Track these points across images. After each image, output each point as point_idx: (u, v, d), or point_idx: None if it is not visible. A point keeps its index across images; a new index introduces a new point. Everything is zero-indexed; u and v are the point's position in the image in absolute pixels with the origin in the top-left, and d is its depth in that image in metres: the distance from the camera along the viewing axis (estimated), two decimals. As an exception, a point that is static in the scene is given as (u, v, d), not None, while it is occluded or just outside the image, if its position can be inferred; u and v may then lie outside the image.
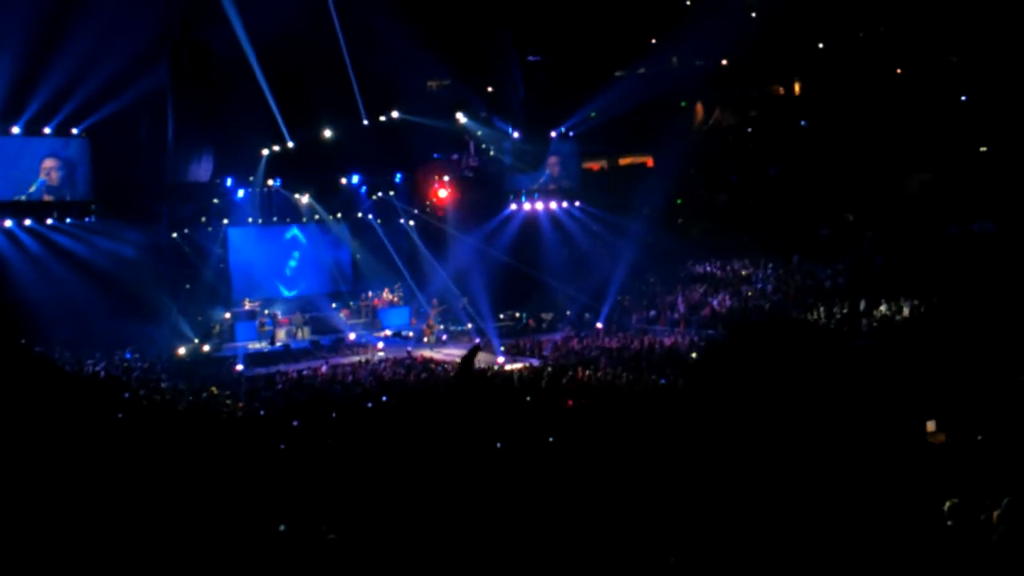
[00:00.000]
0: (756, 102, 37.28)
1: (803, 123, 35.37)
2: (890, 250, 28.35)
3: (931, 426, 12.58)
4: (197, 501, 9.35)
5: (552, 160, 34.60)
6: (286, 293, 33.17)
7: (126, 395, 19.34)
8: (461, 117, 33.28)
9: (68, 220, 27.84)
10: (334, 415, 17.40)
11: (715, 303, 29.24)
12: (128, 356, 24.89)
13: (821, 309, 25.91)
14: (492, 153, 34.45)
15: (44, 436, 11.89)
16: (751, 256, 31.82)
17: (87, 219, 28.07)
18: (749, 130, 36.77)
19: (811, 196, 32.29)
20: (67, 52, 24.89)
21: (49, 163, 26.79)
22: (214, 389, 20.31)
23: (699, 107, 37.88)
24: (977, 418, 12.97)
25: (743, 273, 31.14)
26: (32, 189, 26.64)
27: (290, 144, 30.85)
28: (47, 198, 26.96)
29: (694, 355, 23.06)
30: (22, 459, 10.52)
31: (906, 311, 24.13)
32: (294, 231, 33.86)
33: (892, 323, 23.84)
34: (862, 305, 25.29)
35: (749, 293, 29.22)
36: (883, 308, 24.66)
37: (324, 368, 23.87)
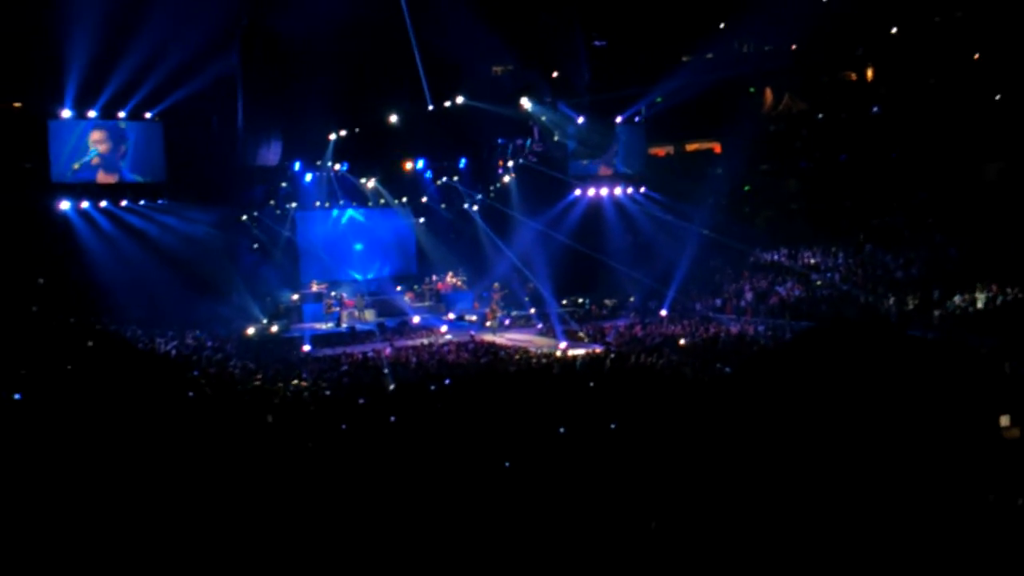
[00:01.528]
0: (827, 88, 36.48)
1: (875, 109, 34.53)
2: (964, 240, 27.57)
3: (1005, 420, 12.21)
4: (259, 480, 9.52)
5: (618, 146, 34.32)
6: (353, 276, 33.56)
7: (195, 373, 19.78)
8: (526, 102, 33.18)
9: (142, 202, 28.60)
10: (395, 394, 17.58)
11: (783, 292, 28.76)
12: (199, 335, 25.42)
13: (892, 300, 25.30)
14: (557, 138, 34.29)
15: (119, 412, 12.21)
16: (820, 245, 31.22)
17: (160, 201, 28.79)
18: (820, 116, 36.02)
19: (883, 184, 31.54)
20: (140, 39, 25.49)
21: (97, 135, 27.44)
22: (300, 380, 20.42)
23: (768, 93, 37.19)
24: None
25: (811, 262, 30.57)
26: (81, 163, 27.23)
27: (357, 129, 31.16)
28: (101, 174, 27.54)
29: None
30: (98, 435, 10.82)
31: (980, 302, 23.44)
32: (349, 213, 34.15)
33: (966, 314, 23.19)
34: (935, 296, 24.64)
35: (818, 282, 28.67)
36: (957, 299, 24.00)
37: (388, 350, 24.09)
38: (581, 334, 27.09)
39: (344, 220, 34.06)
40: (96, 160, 27.44)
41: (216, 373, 20.45)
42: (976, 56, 31.17)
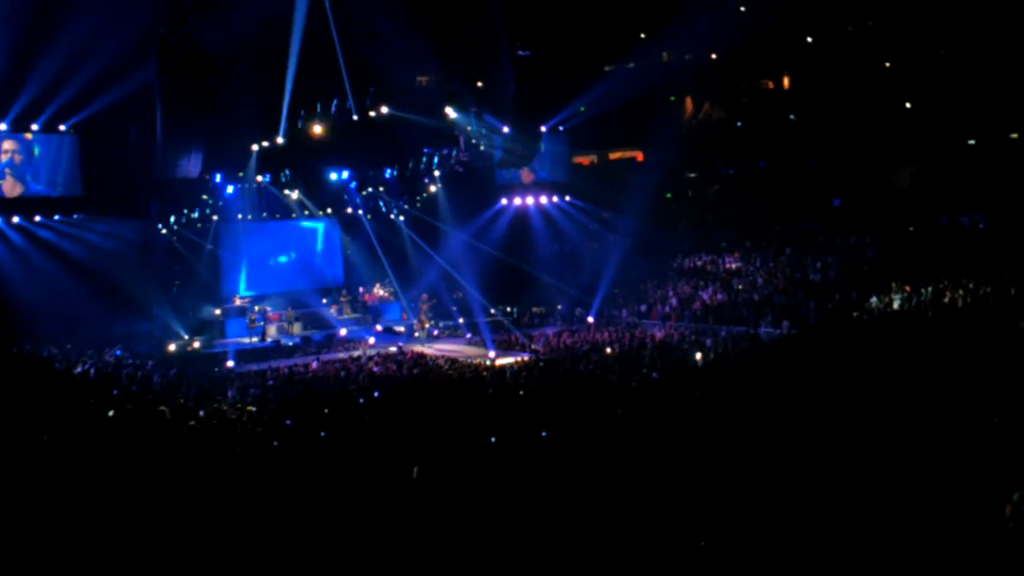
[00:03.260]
0: (745, 96, 37.33)
1: (792, 117, 35.45)
2: (879, 242, 28.50)
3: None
4: (190, 500, 9.33)
5: (542, 155, 34.55)
6: (276, 289, 33.06)
7: (115, 392, 19.25)
8: (451, 112, 33.18)
9: (56, 217, 27.74)
10: (326, 411, 17.37)
11: (706, 296, 29.31)
12: (118, 353, 24.78)
13: (812, 303, 25.98)
14: (482, 148, 34.37)
15: (35, 434, 11.84)
16: (741, 250, 31.92)
17: (75, 216, 27.96)
18: (739, 124, 36.83)
19: (800, 189, 32.39)
20: (54, 49, 24.74)
21: (8, 145, 26.57)
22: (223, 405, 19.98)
23: (688, 101, 37.92)
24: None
25: (733, 267, 31.23)
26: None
27: (280, 140, 30.72)
28: (10, 181, 26.64)
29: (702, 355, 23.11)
30: (14, 458, 10.48)
31: (896, 304, 24.24)
32: (299, 226, 33.81)
33: (884, 315, 23.94)
34: (852, 297, 25.38)
35: (740, 287, 29.29)
36: (874, 300, 24.76)
37: (315, 364, 23.83)
38: (515, 337, 27.26)
39: (287, 230, 33.61)
40: (8, 173, 26.51)
41: (138, 391, 19.93)
42: (887, 64, 32.26)
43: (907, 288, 24.41)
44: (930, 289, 23.94)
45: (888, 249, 27.79)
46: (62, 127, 27.07)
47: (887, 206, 29.92)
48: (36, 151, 26.90)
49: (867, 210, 30.30)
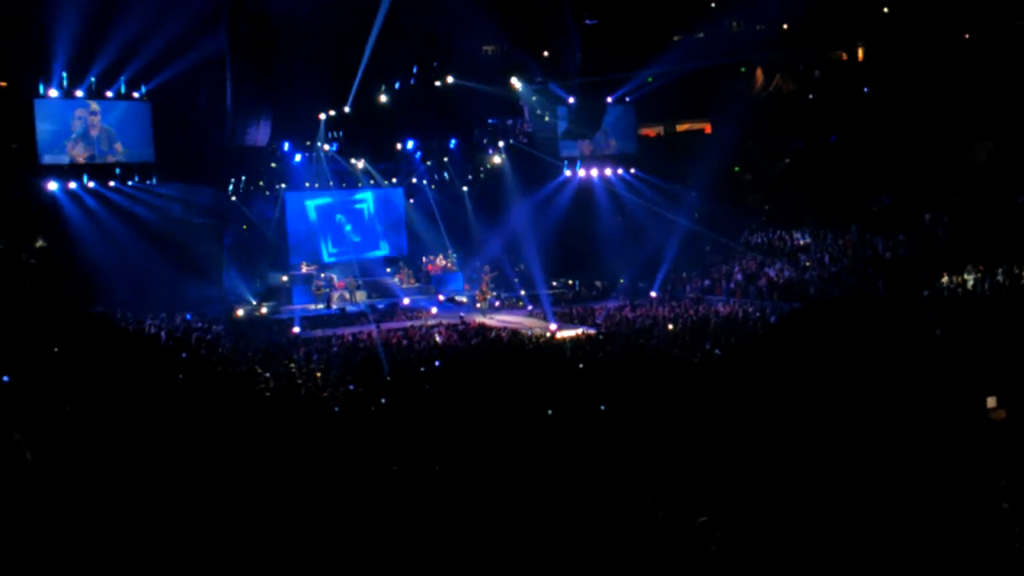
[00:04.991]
0: (818, 68, 36.43)
1: (866, 90, 34.50)
2: (953, 221, 27.66)
3: (992, 402, 12.28)
4: (251, 463, 9.52)
5: (608, 126, 34.18)
6: (342, 257, 33.48)
7: (184, 355, 19.73)
8: (516, 82, 33.05)
9: (130, 182, 28.40)
10: (388, 379, 17.59)
11: (772, 273, 28.85)
12: (188, 318, 25.35)
13: (880, 281, 25.40)
14: (547, 119, 34.17)
15: (108, 394, 12.18)
16: (809, 226, 31.29)
17: (148, 182, 28.59)
18: (810, 97, 35.98)
19: (872, 165, 31.56)
20: (128, 17, 25.22)
21: (84, 111, 27.19)
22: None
23: (759, 73, 37.11)
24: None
25: (801, 243, 30.65)
26: (68, 143, 27.00)
27: (347, 109, 30.99)
28: (84, 147, 27.29)
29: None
30: (87, 417, 10.80)
31: (970, 283, 23.56)
32: (364, 195, 34.15)
33: (955, 295, 23.31)
34: (923, 277, 24.75)
35: (807, 263, 28.76)
36: (945, 280, 24.10)
37: (377, 332, 24.09)
38: (576, 310, 27.20)
39: (349, 201, 33.93)
40: (83, 139, 27.22)
41: (206, 355, 20.41)
42: (967, 35, 31.14)
43: (980, 268, 23.70)
44: (1004, 270, 23.21)
45: (962, 227, 26.95)
46: (135, 94, 27.67)
47: (962, 182, 28.99)
48: (110, 117, 27.54)
49: (941, 186, 29.40)
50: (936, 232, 27.67)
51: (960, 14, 30.79)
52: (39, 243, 26.94)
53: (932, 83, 30.22)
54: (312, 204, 33.28)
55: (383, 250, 34.54)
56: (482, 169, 35.43)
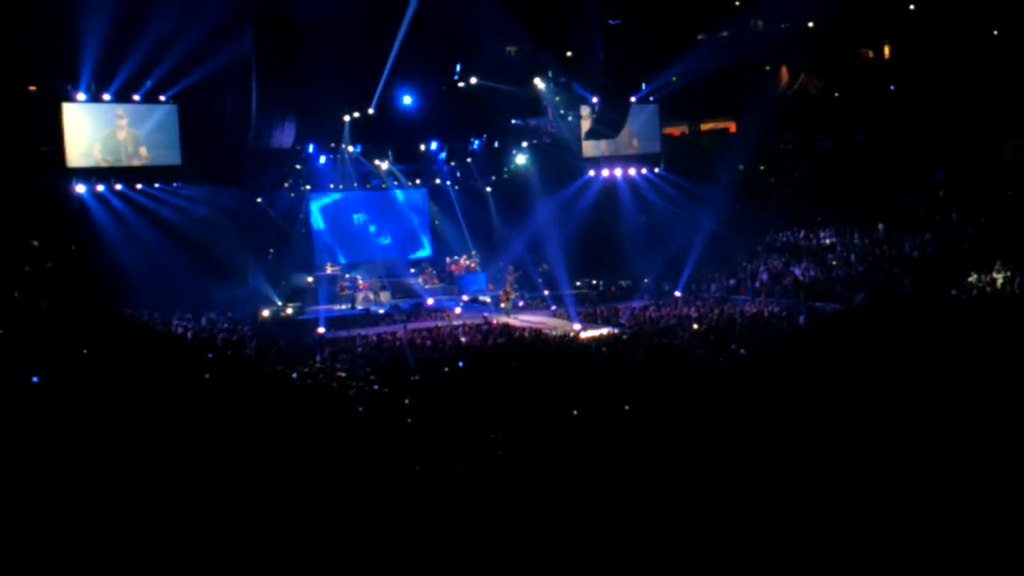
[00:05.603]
0: (843, 66, 36.13)
1: (892, 88, 34.20)
2: (981, 219, 27.34)
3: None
4: (277, 462, 9.58)
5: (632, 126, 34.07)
6: (366, 258, 33.63)
7: (210, 355, 19.89)
8: (539, 82, 33.05)
9: (157, 185, 28.66)
10: (413, 379, 17.64)
11: (798, 272, 28.64)
12: (214, 318, 25.55)
13: (907, 280, 25.15)
14: (570, 119, 34.13)
15: (136, 394, 12.31)
16: (835, 225, 31.05)
17: (174, 184, 28.85)
18: (836, 95, 35.70)
19: (899, 164, 31.28)
20: (154, 21, 25.48)
21: (112, 118, 27.42)
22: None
23: (784, 71, 36.86)
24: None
25: (827, 242, 30.42)
26: (96, 146, 27.28)
27: (371, 111, 31.11)
28: (112, 150, 27.57)
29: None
30: (116, 417, 10.91)
31: (999, 282, 23.29)
32: (388, 196, 34.30)
33: (983, 294, 23.04)
34: (950, 275, 24.47)
35: (833, 263, 28.53)
36: (973, 278, 23.82)
37: (401, 332, 24.17)
38: (601, 310, 27.13)
39: (376, 200, 34.10)
40: (111, 143, 27.50)
41: (233, 355, 20.56)
42: (995, 33, 30.78)
43: (1010, 267, 23.42)
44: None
45: (990, 226, 26.64)
46: (162, 97, 27.95)
47: (990, 181, 28.66)
48: (137, 121, 27.82)
49: (969, 185, 29.09)
50: (964, 230, 27.37)
51: (987, 11, 30.45)
52: (68, 245, 27.21)
53: (959, 81, 29.92)
54: (336, 205, 33.46)
55: (406, 251, 34.65)
56: (505, 169, 35.45)
